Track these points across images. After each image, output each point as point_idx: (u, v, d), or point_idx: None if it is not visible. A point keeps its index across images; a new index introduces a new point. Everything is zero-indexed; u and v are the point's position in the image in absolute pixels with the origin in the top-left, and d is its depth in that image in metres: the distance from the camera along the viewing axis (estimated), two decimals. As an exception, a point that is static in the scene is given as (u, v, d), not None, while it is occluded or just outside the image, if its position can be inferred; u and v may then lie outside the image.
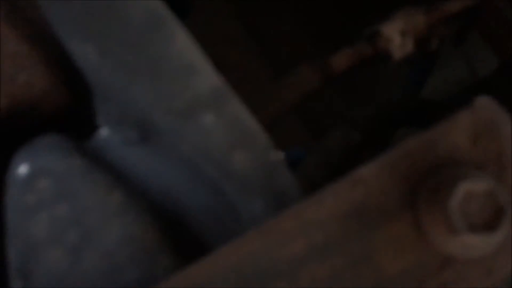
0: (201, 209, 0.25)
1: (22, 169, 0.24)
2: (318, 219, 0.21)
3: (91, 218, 0.23)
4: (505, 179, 0.21)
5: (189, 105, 0.22)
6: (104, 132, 0.28)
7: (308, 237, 0.21)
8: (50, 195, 0.23)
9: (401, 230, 0.21)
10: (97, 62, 0.22)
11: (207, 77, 0.22)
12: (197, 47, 0.22)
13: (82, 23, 0.22)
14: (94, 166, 0.25)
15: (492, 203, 0.20)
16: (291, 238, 0.21)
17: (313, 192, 0.21)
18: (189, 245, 0.25)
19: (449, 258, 0.21)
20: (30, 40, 0.25)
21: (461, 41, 0.53)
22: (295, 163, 0.46)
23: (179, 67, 0.21)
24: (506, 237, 0.21)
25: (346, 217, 0.21)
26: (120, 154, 0.27)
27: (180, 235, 0.25)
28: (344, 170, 0.21)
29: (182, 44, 0.21)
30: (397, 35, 0.38)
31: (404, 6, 0.40)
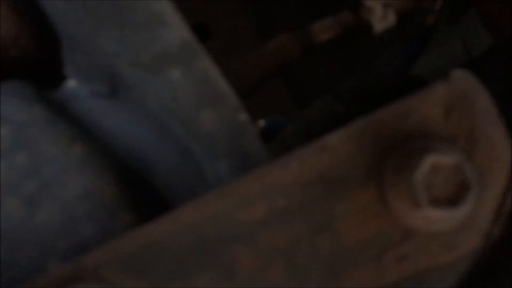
0: (166, 168, 0.25)
1: (-20, 116, 0.24)
2: (281, 184, 0.21)
3: (50, 170, 0.22)
4: (474, 154, 0.21)
5: (156, 58, 0.21)
6: (71, 83, 0.27)
7: (270, 202, 0.21)
8: (9, 144, 0.23)
9: (365, 199, 0.21)
10: (63, 6, 0.22)
11: (176, 30, 0.21)
12: None
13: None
14: (57, 116, 0.24)
15: (458, 179, 0.20)
16: (253, 202, 0.21)
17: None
18: (152, 203, 0.24)
19: (411, 230, 0.20)
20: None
21: (456, 19, 0.52)
22: (276, 130, 0.46)
23: (146, 17, 0.21)
24: (471, 214, 0.20)
25: (310, 183, 0.20)
26: (86, 107, 0.26)
27: (144, 193, 0.24)
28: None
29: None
30: (379, 7, 0.37)
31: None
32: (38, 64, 0.28)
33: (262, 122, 0.43)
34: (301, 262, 0.20)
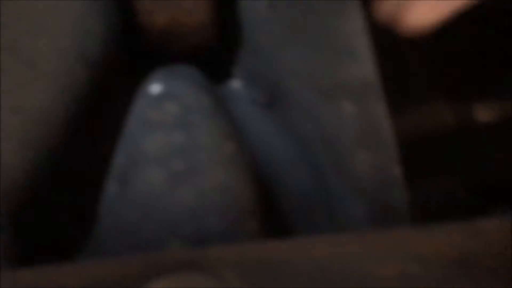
0: (297, 190, 0.25)
1: (155, 88, 0.25)
2: (421, 252, 0.20)
3: (200, 156, 0.23)
4: None
5: (336, 87, 0.22)
6: (235, 83, 0.28)
7: (404, 265, 0.20)
8: (173, 120, 0.24)
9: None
10: (264, 13, 0.22)
11: (363, 66, 0.21)
12: (367, 35, 0.21)
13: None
14: (219, 110, 0.25)
15: None
16: (387, 258, 0.20)
17: (423, 223, 0.20)
18: (274, 217, 0.25)
19: None
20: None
21: None
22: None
23: (341, 46, 0.21)
24: None
25: (451, 261, 0.20)
26: (243, 109, 0.27)
27: (270, 206, 0.24)
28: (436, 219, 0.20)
29: (355, 27, 0.21)
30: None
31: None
32: (211, 56, 0.29)
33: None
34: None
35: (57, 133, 0.23)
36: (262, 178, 0.25)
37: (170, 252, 0.20)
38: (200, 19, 0.26)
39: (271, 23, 0.23)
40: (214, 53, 0.28)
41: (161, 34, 0.27)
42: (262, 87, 0.26)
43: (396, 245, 0.20)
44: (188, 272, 0.20)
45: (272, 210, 0.24)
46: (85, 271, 0.20)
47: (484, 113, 0.36)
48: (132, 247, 0.22)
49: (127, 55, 0.26)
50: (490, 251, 0.19)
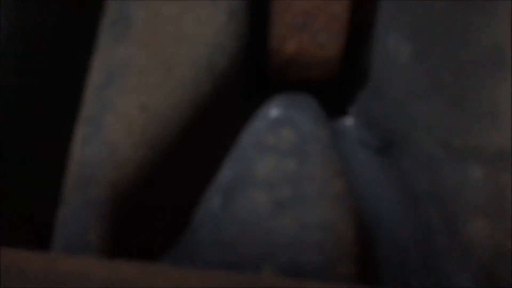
0: (399, 242, 0.24)
1: (274, 111, 0.25)
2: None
3: (310, 187, 0.23)
4: None
5: (469, 149, 0.21)
6: (349, 121, 0.28)
7: None
8: (288, 147, 0.24)
9: None
10: (407, 60, 0.22)
11: (504, 134, 0.20)
12: None
13: (412, 23, 0.22)
14: (332, 145, 0.25)
15: None
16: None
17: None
18: (371, 265, 0.24)
19: None
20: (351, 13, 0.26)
21: None
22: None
23: (488, 112, 0.20)
24: None
25: None
26: (353, 149, 0.26)
27: (369, 252, 0.24)
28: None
29: (504, 91, 0.20)
30: None
31: None
32: (329, 90, 0.29)
33: None
34: None
35: (176, 136, 0.24)
36: (364, 223, 0.25)
37: (266, 278, 0.20)
38: (330, 54, 0.27)
39: (409, 71, 0.23)
40: (332, 88, 0.28)
41: (287, 63, 0.28)
42: (378, 131, 0.26)
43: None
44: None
45: (370, 257, 0.24)
46: (178, 275, 0.20)
47: None
48: (225, 262, 0.22)
49: (252, 77, 0.27)
50: None
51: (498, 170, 0.21)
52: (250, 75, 0.28)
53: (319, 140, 0.24)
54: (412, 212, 0.24)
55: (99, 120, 0.22)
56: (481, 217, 0.21)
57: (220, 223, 0.23)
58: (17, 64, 0.28)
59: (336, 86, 0.29)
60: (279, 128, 0.24)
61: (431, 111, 0.22)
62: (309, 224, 0.22)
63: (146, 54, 0.23)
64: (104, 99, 0.22)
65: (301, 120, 0.25)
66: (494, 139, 0.20)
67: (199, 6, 0.24)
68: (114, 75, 0.22)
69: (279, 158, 0.23)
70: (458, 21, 0.21)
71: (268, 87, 0.29)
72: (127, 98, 0.22)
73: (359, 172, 0.26)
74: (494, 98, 0.21)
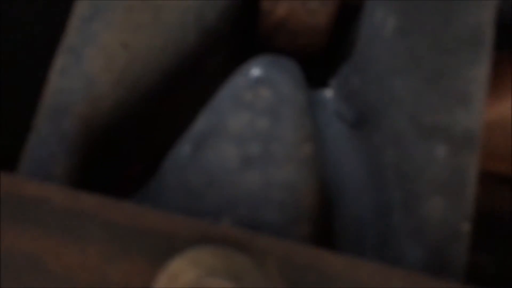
0: (358, 214, 0.25)
1: (255, 71, 0.25)
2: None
3: (276, 148, 0.23)
4: None
5: (435, 129, 0.21)
6: (328, 93, 0.28)
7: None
8: (263, 105, 0.24)
9: None
10: (391, 34, 0.22)
11: (472, 116, 0.21)
12: (485, 85, 0.21)
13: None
14: (307, 109, 0.25)
15: None
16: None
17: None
18: (328, 231, 0.24)
19: None
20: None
21: None
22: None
23: (460, 92, 0.21)
24: None
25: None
26: (328, 120, 0.27)
27: (328, 218, 0.24)
28: None
29: (478, 75, 0.21)
30: None
31: None
32: (313, 60, 0.29)
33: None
34: None
35: (156, 81, 0.24)
36: (327, 190, 0.25)
37: (223, 227, 0.20)
38: (319, 22, 0.27)
39: (391, 47, 0.23)
40: (316, 58, 0.29)
41: (276, 26, 0.28)
42: (354, 104, 0.26)
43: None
44: (233, 250, 0.20)
45: (328, 223, 0.24)
46: (137, 212, 0.20)
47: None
48: (187, 209, 0.23)
49: (241, 38, 0.27)
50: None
51: (462, 151, 0.21)
52: (239, 36, 0.28)
53: (295, 104, 0.24)
54: (375, 186, 0.24)
55: (80, 51, 0.22)
56: (440, 197, 0.21)
57: (187, 171, 0.23)
58: None
59: (321, 61, 0.29)
60: (257, 86, 0.24)
61: (406, 87, 0.22)
62: (273, 183, 0.23)
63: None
64: (87, 31, 0.22)
65: (281, 81, 0.25)
66: (462, 120, 0.21)
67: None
68: (100, 9, 0.22)
69: (253, 115, 0.24)
70: None
71: (256, 53, 0.29)
72: (110, 34, 0.22)
73: (331, 142, 0.27)
74: (468, 79, 0.21)
